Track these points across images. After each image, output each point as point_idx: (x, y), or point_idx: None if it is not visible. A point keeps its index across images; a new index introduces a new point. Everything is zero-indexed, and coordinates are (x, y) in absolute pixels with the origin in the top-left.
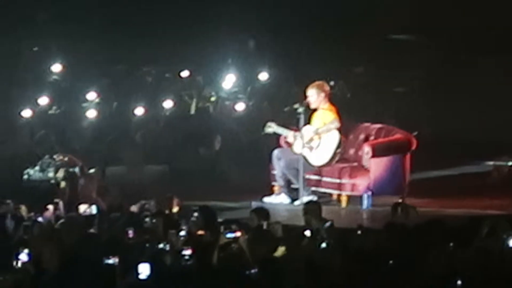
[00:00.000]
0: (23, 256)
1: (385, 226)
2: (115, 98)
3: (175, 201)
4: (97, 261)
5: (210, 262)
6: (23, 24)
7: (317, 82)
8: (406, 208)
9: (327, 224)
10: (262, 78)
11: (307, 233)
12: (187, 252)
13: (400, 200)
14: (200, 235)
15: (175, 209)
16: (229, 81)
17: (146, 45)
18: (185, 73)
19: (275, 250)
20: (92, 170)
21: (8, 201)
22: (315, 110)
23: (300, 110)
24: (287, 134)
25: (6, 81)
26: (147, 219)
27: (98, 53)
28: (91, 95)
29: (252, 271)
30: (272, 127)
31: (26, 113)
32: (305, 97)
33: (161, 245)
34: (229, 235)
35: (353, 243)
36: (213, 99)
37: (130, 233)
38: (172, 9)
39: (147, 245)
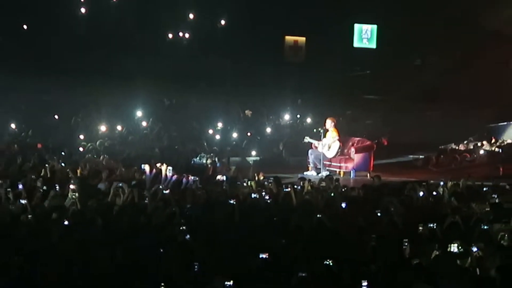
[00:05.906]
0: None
1: (361, 186)
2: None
3: (261, 173)
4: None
5: (277, 200)
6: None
7: (331, 117)
8: (378, 177)
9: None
10: (306, 119)
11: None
12: (267, 197)
13: (375, 174)
14: (271, 188)
15: (261, 177)
16: (286, 117)
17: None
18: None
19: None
20: (223, 160)
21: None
22: (327, 131)
23: (321, 130)
24: (315, 142)
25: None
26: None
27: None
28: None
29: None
30: (307, 139)
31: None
32: (324, 124)
33: (255, 195)
34: (285, 190)
35: (347, 193)
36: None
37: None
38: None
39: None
